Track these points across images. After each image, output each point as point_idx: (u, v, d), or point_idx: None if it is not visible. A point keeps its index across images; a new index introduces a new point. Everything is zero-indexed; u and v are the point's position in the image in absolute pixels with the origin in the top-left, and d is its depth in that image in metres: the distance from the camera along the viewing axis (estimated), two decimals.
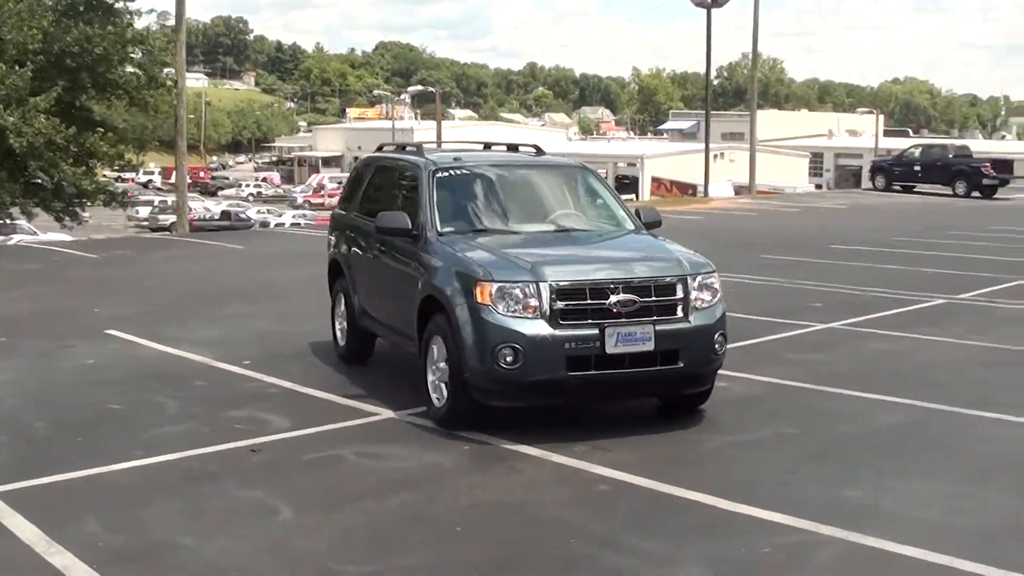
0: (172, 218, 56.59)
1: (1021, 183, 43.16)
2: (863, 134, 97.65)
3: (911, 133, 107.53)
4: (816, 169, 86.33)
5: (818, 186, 76.52)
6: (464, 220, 9.10)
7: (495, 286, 7.84)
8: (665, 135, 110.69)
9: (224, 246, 23.63)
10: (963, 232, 25.14)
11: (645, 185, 72.33)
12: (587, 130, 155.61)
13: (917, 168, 43.41)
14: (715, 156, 76.62)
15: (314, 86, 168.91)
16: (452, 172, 9.40)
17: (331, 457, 7.69)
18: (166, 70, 26.60)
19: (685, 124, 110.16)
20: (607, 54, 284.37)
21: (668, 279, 8.15)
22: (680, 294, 8.13)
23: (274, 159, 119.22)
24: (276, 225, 52.14)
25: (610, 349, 7.81)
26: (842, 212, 34.08)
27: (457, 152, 10.07)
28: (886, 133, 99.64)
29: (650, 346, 7.93)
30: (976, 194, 40.05)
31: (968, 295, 15.30)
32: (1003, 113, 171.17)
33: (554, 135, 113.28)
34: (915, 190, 43.16)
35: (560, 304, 7.81)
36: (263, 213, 58.78)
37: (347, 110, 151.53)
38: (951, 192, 40.74)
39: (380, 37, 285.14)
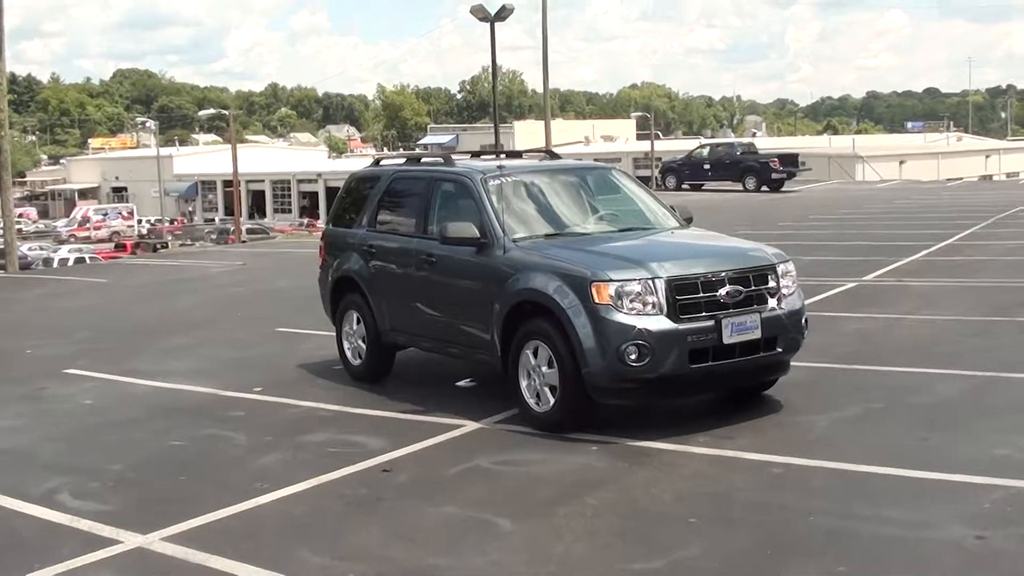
0: None
1: (802, 176, 45.62)
2: (618, 139, 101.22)
3: (660, 136, 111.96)
4: None
5: None
6: (530, 225, 9.07)
7: (614, 285, 7.87)
8: (427, 149, 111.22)
9: (85, 280, 22.22)
10: (793, 223, 26.55)
11: None
12: (336, 148, 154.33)
13: (707, 167, 45.39)
14: None
15: (53, 117, 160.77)
16: (504, 180, 9.34)
17: (475, 468, 7.54)
18: None
19: (444, 138, 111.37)
20: (346, 72, 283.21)
21: (762, 268, 8.39)
22: (772, 283, 8.39)
23: (26, 194, 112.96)
24: (60, 261, 49.36)
25: (726, 339, 7.98)
26: None
27: (496, 162, 10.05)
28: (638, 137, 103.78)
29: (757, 334, 8.15)
30: (765, 188, 42.16)
31: (871, 277, 16.24)
32: (737, 113, 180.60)
33: (314, 155, 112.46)
34: (704, 188, 45.02)
35: (678, 298, 7.92)
36: (36, 249, 55.44)
37: (89, 140, 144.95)
38: (741, 188, 42.75)
39: (114, 65, 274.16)
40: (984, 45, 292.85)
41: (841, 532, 6.01)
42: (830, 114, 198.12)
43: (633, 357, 7.79)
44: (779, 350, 8.37)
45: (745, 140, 59.35)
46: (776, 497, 6.65)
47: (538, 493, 6.94)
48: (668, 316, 7.88)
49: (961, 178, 58.51)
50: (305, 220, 72.01)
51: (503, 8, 46.02)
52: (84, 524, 6.72)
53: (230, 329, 14.41)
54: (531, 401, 8.41)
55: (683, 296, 7.94)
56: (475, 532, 6.29)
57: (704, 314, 7.98)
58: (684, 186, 46.21)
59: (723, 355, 8.03)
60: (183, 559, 6.10)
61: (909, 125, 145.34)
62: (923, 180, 51.87)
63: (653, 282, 7.90)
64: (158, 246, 54.73)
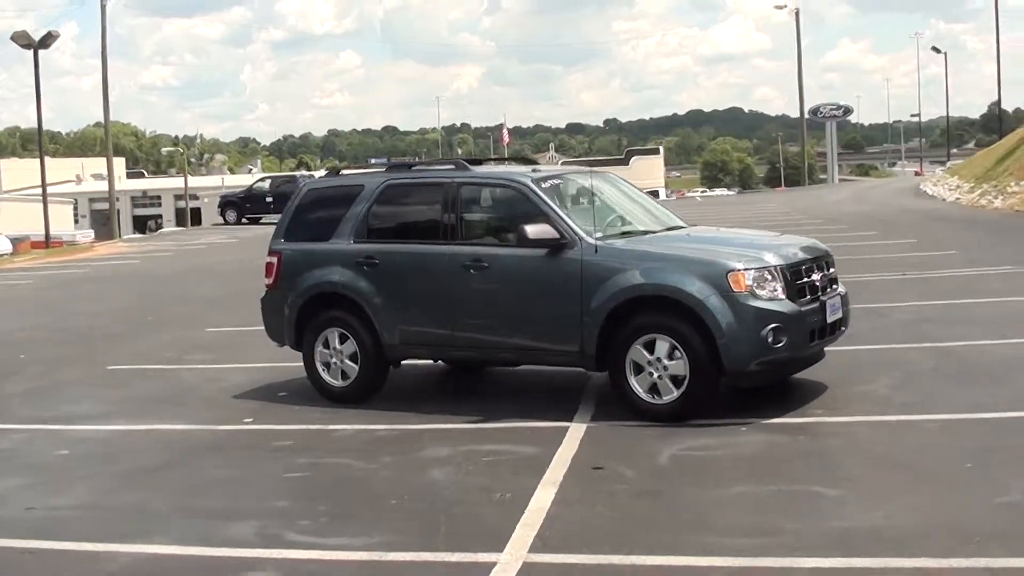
0: None
1: None
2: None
3: (145, 174, 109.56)
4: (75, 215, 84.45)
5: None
6: (599, 225, 9.12)
7: (751, 274, 8.37)
8: None
9: None
10: None
11: None
12: None
13: (269, 199, 45.44)
14: None
15: None
16: (553, 182, 9.45)
17: (679, 456, 7.78)
18: None
19: None
20: None
21: (827, 256, 9.27)
22: (832, 268, 9.28)
23: None
24: None
25: (828, 319, 8.79)
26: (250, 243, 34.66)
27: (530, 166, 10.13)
28: (128, 175, 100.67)
29: (840, 314, 9.07)
30: None
31: None
32: (206, 151, 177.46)
33: None
34: (262, 221, 44.87)
35: (796, 283, 8.57)
36: None
37: None
38: None
39: None
40: (436, 86, 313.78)
41: None
42: (294, 151, 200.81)
43: (771, 340, 8.32)
44: (843, 329, 9.26)
45: (305, 173, 59.83)
46: (980, 442, 7.55)
47: (787, 468, 7.32)
48: (791, 300, 8.50)
49: None
50: None
51: (48, 35, 43.58)
52: (408, 556, 6.11)
53: (49, 372, 12.77)
54: (644, 395, 8.62)
55: (798, 281, 8.60)
56: (812, 501, 6.61)
57: (809, 297, 8.69)
58: (244, 220, 46.41)
59: (823, 334, 8.81)
60: (594, 564, 5.83)
61: (372, 162, 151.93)
62: None
63: (776, 269, 8.49)
64: None
